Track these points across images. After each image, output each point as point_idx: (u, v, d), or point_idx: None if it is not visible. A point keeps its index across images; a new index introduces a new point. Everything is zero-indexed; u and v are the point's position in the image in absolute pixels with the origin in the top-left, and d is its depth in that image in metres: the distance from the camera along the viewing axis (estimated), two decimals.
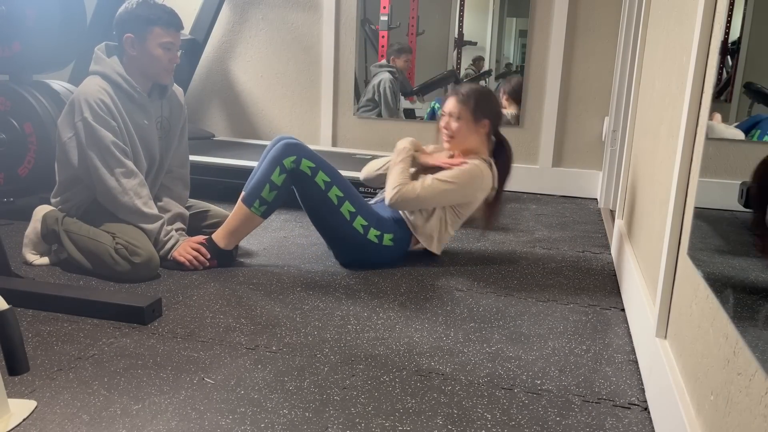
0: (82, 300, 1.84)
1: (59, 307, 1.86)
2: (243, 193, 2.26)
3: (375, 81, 3.84)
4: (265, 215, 2.23)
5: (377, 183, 2.48)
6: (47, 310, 1.87)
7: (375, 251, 2.28)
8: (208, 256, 2.24)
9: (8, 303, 1.30)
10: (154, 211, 2.21)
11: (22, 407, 1.36)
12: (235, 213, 2.24)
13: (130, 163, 2.16)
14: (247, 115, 4.13)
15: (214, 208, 2.51)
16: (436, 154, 2.41)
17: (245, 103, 4.12)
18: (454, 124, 2.32)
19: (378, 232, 2.26)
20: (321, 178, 2.19)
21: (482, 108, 2.32)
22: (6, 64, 2.76)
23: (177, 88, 2.41)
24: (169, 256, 2.21)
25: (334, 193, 2.20)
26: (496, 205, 2.43)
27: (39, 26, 2.69)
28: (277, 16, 3.95)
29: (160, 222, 2.21)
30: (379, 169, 2.44)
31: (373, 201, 2.46)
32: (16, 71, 2.78)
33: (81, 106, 2.12)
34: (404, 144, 2.35)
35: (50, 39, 2.71)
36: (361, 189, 2.73)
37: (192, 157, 3.22)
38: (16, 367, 1.30)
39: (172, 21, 2.19)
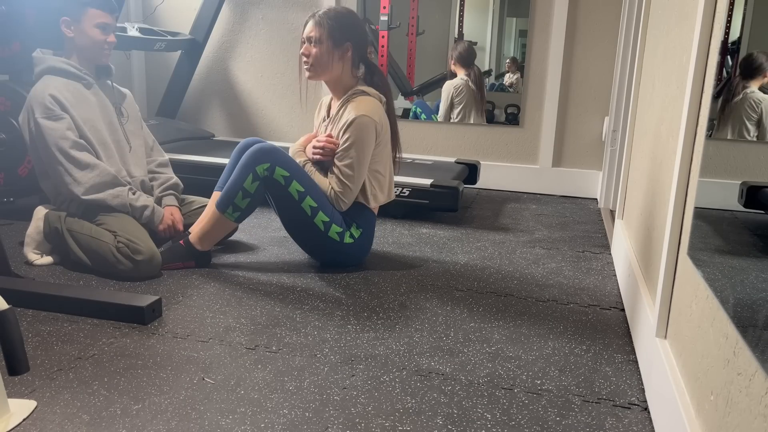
0: (82, 300, 1.84)
1: (59, 307, 1.86)
2: (216, 196, 2.26)
3: None
4: (239, 221, 2.22)
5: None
6: (47, 310, 1.87)
7: (355, 250, 2.27)
8: (180, 228, 2.29)
9: (8, 303, 1.30)
10: (117, 179, 2.24)
11: (22, 407, 1.36)
12: (209, 216, 2.22)
13: (87, 157, 2.19)
14: (247, 115, 4.13)
15: (199, 198, 2.54)
16: (308, 146, 2.28)
17: (245, 103, 4.12)
18: (313, 50, 2.18)
19: (351, 232, 2.24)
20: (295, 188, 2.14)
21: (343, 30, 2.17)
22: (6, 64, 2.76)
23: (124, 89, 2.49)
24: (158, 226, 2.27)
25: (308, 203, 2.15)
26: (393, 124, 2.32)
27: (39, 26, 2.69)
28: (277, 16, 3.95)
29: (127, 187, 2.25)
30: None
31: None
32: (16, 71, 2.78)
33: (33, 108, 2.18)
34: (296, 159, 2.27)
35: (50, 39, 2.70)
36: None
37: (192, 157, 3.24)
38: (16, 367, 1.30)
39: (106, 2, 2.27)
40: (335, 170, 2.21)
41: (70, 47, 2.27)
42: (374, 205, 2.29)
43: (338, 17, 2.19)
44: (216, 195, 2.27)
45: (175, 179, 2.46)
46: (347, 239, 2.24)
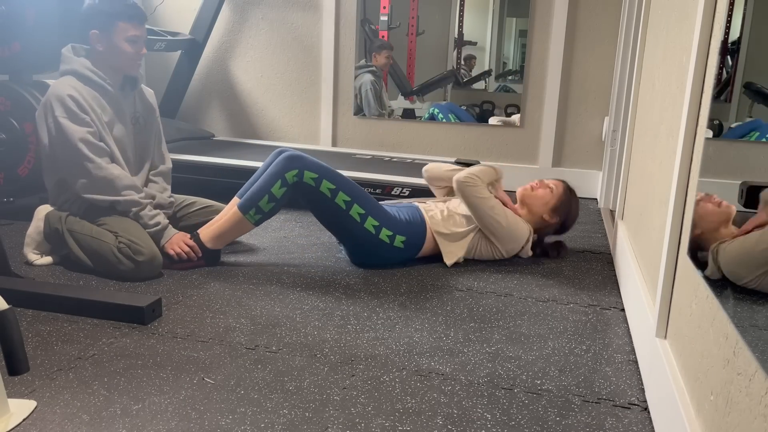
0: (82, 300, 1.84)
1: (59, 307, 1.86)
2: (239, 199, 2.27)
3: (357, 83, 3.84)
4: (258, 223, 2.25)
5: (435, 183, 2.59)
6: (47, 310, 1.87)
7: (387, 251, 2.29)
8: (200, 254, 2.24)
9: (8, 303, 1.30)
10: (135, 185, 2.21)
11: (22, 407, 1.36)
12: (228, 217, 2.25)
13: (105, 161, 2.17)
14: (247, 115, 4.13)
15: (200, 199, 2.51)
16: (499, 188, 2.50)
17: (245, 103, 4.12)
18: (540, 191, 2.45)
19: (390, 233, 2.27)
20: (326, 186, 2.21)
21: (562, 209, 2.46)
22: (6, 64, 2.76)
23: (148, 89, 2.44)
24: (162, 245, 2.21)
25: (342, 198, 2.22)
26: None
27: (39, 26, 2.69)
28: (277, 16, 3.95)
29: (147, 203, 2.22)
30: (447, 171, 2.52)
31: (393, 202, 2.49)
32: (16, 71, 2.78)
33: (52, 105, 2.14)
34: (494, 172, 2.46)
35: (50, 39, 2.71)
36: (370, 189, 2.74)
37: (192, 157, 3.24)
38: (16, 367, 1.31)
39: (136, 14, 2.22)
40: (498, 199, 2.41)
41: (99, 58, 2.22)
42: (445, 250, 2.36)
43: (570, 200, 2.49)
44: (236, 200, 2.29)
45: (161, 197, 2.36)
46: (383, 237, 2.26)
